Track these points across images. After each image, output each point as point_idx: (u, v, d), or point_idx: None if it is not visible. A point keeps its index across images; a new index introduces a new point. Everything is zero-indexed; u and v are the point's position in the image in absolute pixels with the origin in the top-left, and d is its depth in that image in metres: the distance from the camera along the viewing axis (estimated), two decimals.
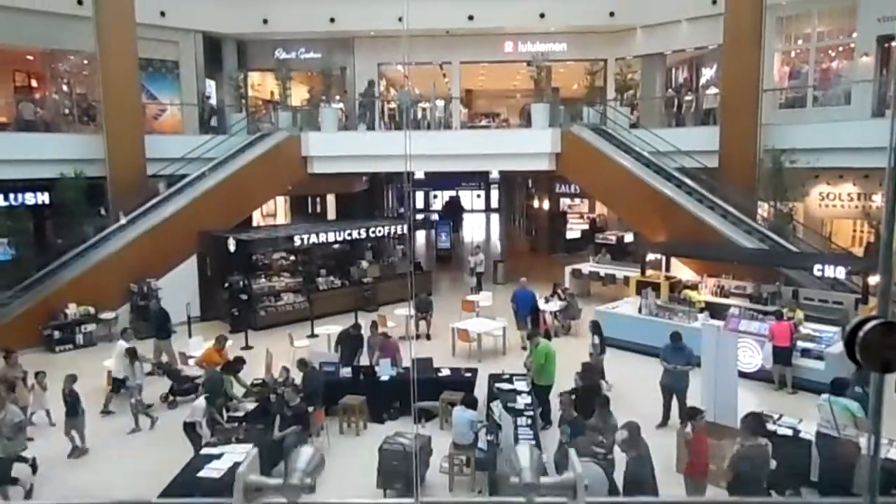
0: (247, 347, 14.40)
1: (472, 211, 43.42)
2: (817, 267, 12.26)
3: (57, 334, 14.40)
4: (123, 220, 16.26)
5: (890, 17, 16.95)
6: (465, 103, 27.55)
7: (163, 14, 20.30)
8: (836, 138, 15.55)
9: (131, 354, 10.24)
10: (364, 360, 11.75)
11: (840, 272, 11.97)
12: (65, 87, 22.26)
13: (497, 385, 10.11)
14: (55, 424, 10.44)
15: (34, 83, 22.38)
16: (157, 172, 17.62)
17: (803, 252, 14.50)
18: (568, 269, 18.47)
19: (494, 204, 43.88)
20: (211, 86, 23.26)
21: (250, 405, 9.52)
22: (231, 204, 17.07)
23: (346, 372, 10.77)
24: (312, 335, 14.86)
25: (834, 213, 17.84)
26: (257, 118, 23.28)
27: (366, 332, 12.09)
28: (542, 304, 15.18)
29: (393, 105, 25.25)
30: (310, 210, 26.46)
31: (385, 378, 10.56)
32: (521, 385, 10.04)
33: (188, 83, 22.17)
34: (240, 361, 9.93)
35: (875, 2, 16.78)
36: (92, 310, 14.87)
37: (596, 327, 11.48)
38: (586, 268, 18.36)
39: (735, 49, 16.82)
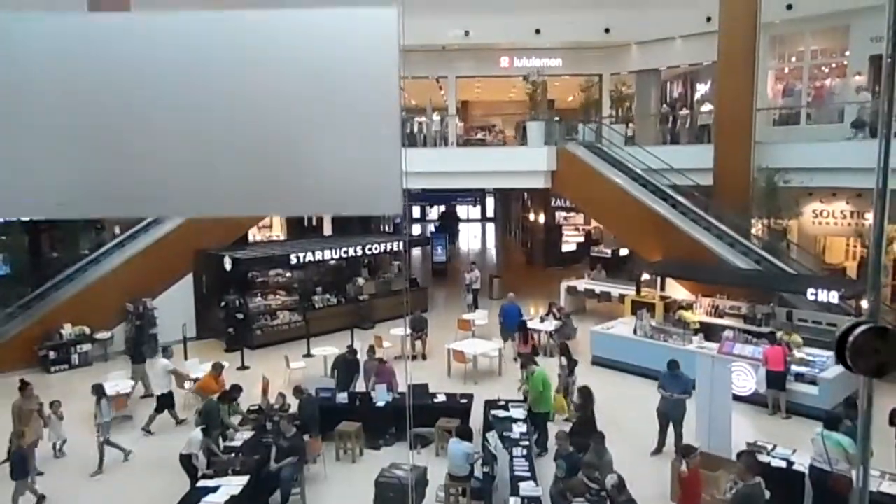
0: (243, 367, 14.42)
1: (468, 220, 43.48)
2: (811, 291, 12.33)
3: (52, 355, 14.37)
4: (120, 236, 16.26)
5: (882, 37, 17.09)
6: (461, 115, 27.63)
7: None
8: (828, 158, 15.66)
9: (98, 392, 10.03)
10: (360, 385, 11.77)
11: (833, 296, 12.04)
12: None
13: (493, 412, 10.15)
14: (65, 454, 10.37)
15: None
16: None
17: (797, 274, 14.56)
18: (563, 286, 18.52)
19: (491, 213, 43.96)
20: None
21: (247, 434, 9.53)
22: (228, 222, 17.07)
23: (342, 397, 10.79)
24: (308, 355, 14.87)
25: (828, 231, 17.96)
26: None
27: (362, 355, 12.11)
28: (537, 324, 15.26)
29: None
30: (306, 223, 26.47)
31: (381, 404, 10.58)
32: (516, 412, 10.07)
33: None
34: (236, 389, 9.94)
35: (867, 21, 16.92)
36: (87, 330, 14.84)
37: (564, 349, 11.95)
38: (581, 284, 18.43)
39: (729, 68, 16.93)
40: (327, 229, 27.40)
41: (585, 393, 9.23)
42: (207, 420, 9.07)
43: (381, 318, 17.60)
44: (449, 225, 34.23)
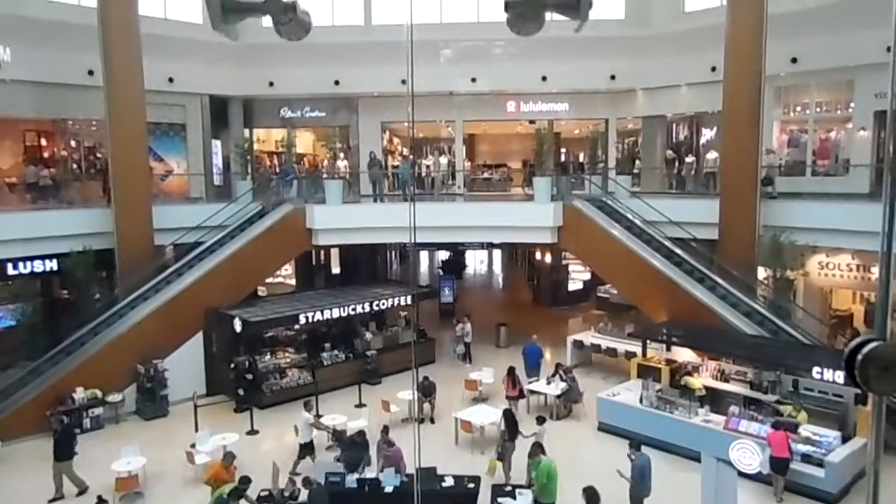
0: (252, 432, 14.58)
1: (474, 247, 43.24)
2: (816, 370, 12.39)
3: (65, 420, 14.48)
4: (130, 297, 16.45)
5: (886, 93, 17.18)
6: (467, 152, 27.86)
7: (171, 80, 20.64)
8: (833, 220, 15.73)
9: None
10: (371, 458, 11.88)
11: (839, 377, 12.07)
12: (73, 143, 22.73)
13: (499, 500, 10.25)
14: None
15: (44, 142, 22.78)
16: (174, 242, 17.90)
17: (805, 344, 14.55)
18: (570, 340, 18.63)
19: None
20: (217, 145, 23.61)
21: None
22: (238, 279, 17.27)
23: (350, 482, 10.90)
24: (318, 416, 15.01)
25: (834, 283, 17.98)
26: (260, 172, 23.65)
27: (371, 416, 12.26)
28: (543, 386, 15.37)
29: (397, 162, 25.59)
30: (314, 261, 26.63)
31: (389, 489, 10.70)
32: (522, 501, 10.16)
33: (195, 143, 22.53)
34: (246, 482, 10.04)
35: (872, 77, 17.03)
36: (99, 393, 15.02)
37: (508, 414, 12.62)
38: (588, 339, 18.52)
39: (734, 121, 16.91)
40: (335, 265, 27.64)
41: (591, 493, 9.28)
42: None
43: (389, 371, 17.76)
44: (456, 264, 34.33)
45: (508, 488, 10.60)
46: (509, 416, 12.48)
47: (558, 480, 10.33)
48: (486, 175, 26.47)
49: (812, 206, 16.57)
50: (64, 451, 11.90)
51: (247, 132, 24.07)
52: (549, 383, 15.44)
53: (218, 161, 23.71)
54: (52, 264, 17.95)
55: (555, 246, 20.21)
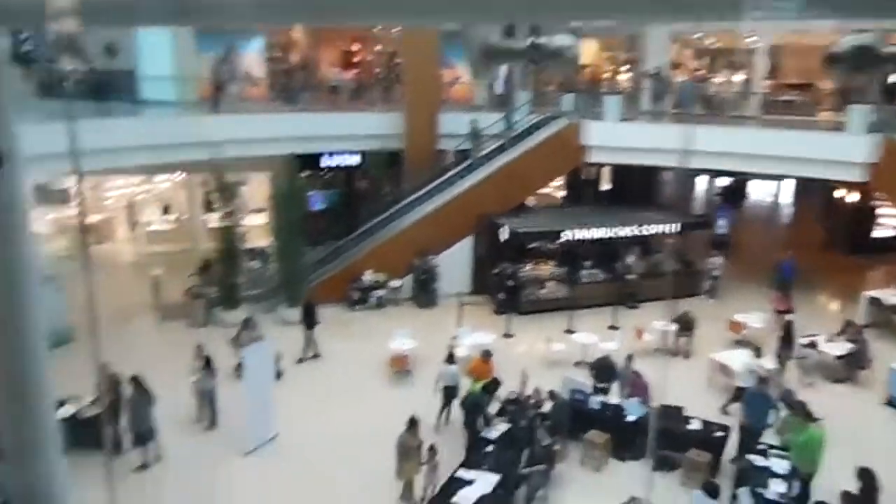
0: (508, 335, 15.53)
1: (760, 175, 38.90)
2: None
3: (356, 295, 16.97)
4: (410, 197, 18.17)
5: None
6: (770, 68, 24.67)
7: None
8: None
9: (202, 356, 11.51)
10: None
11: None
12: (378, 48, 25.16)
13: (748, 456, 9.70)
14: None
15: (354, 48, 25.57)
16: (456, 147, 19.26)
17: None
18: (865, 297, 16.22)
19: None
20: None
21: (502, 426, 10.43)
22: (509, 189, 17.92)
23: (595, 402, 11.15)
24: (569, 331, 15.41)
25: None
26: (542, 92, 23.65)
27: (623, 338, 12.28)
28: (822, 344, 13.74)
29: (683, 77, 23.65)
30: (583, 176, 26.40)
31: (632, 418, 10.74)
32: (778, 465, 9.46)
33: None
34: (496, 383, 10.89)
35: None
36: (383, 278, 17.16)
37: (787, 324, 13.42)
38: (889, 297, 15.94)
39: None
40: (604, 183, 27.06)
41: (868, 477, 8.17)
42: (474, 409, 10.18)
43: (647, 297, 17.37)
44: (735, 192, 31.41)
45: (762, 446, 9.92)
46: (787, 326, 13.25)
47: (823, 453, 9.36)
48: (786, 97, 23.25)
49: None
50: (309, 321, 14.21)
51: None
52: (830, 340, 13.76)
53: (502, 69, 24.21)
54: (355, 159, 20.53)
55: (864, 186, 17.38)
